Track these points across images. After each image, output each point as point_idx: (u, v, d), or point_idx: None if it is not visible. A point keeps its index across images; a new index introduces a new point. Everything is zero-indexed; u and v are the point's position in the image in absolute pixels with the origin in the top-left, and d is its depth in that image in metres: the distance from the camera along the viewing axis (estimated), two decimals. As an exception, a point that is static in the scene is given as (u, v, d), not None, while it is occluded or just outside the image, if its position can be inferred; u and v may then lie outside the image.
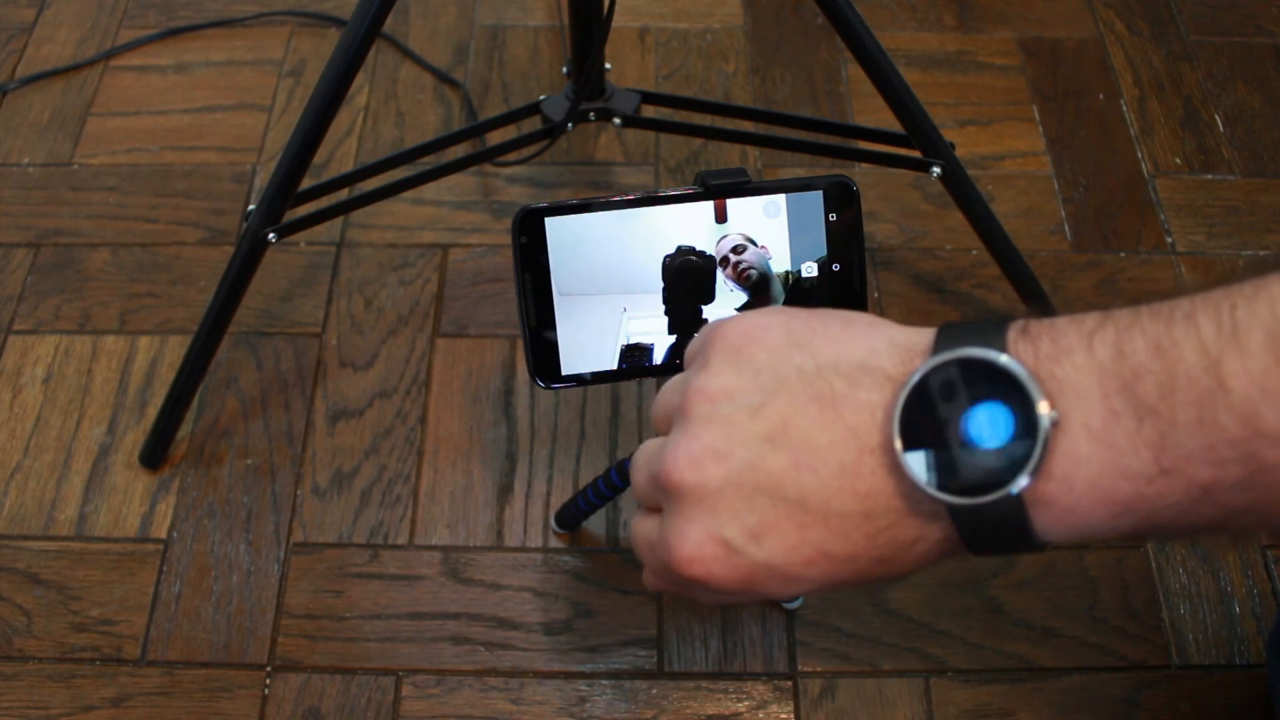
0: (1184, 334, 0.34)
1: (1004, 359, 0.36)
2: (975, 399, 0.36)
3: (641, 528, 0.45)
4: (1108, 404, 0.35)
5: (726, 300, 0.59)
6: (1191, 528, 0.35)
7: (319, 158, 0.99)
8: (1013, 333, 0.37)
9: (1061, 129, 1.03)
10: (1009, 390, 0.36)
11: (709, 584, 0.41)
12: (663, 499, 0.42)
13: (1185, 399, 0.33)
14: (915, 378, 0.37)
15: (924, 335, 0.39)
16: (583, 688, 0.74)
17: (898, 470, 0.37)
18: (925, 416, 0.37)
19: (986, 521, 0.37)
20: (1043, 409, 0.35)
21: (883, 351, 0.39)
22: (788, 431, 0.39)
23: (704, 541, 0.40)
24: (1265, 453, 0.33)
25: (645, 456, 0.44)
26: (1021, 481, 0.35)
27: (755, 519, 0.39)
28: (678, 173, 1.00)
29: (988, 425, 0.36)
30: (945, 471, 0.36)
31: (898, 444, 0.37)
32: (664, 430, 0.44)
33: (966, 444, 0.36)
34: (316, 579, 0.78)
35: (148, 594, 0.77)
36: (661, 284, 0.58)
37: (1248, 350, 0.33)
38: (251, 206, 0.74)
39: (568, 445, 0.84)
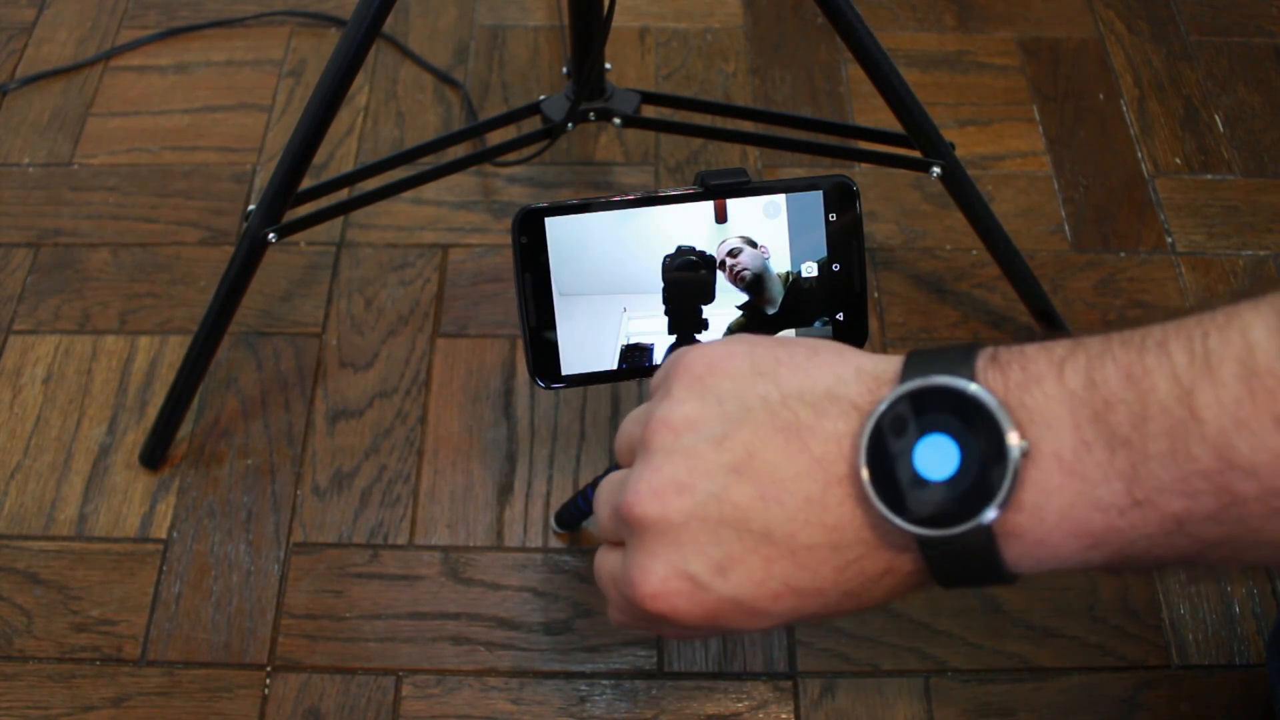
0: (1156, 363, 0.33)
1: (973, 387, 0.35)
2: (941, 428, 0.36)
3: (605, 562, 0.44)
4: (1079, 433, 0.34)
5: (726, 300, 0.59)
6: (1164, 560, 0.35)
7: (319, 158, 0.99)
8: (981, 360, 0.36)
9: (1061, 129, 1.03)
10: (977, 419, 0.35)
11: (674, 619, 0.40)
12: (626, 533, 0.41)
13: (1158, 429, 0.33)
14: (882, 407, 0.36)
15: (891, 363, 0.39)
16: (583, 688, 0.74)
17: (865, 501, 0.36)
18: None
19: (956, 553, 0.36)
20: (1012, 439, 0.34)
21: (849, 380, 0.38)
22: (753, 462, 0.38)
23: (668, 576, 0.39)
24: (1238, 485, 0.32)
25: (608, 490, 0.43)
26: (991, 513, 0.35)
27: (720, 552, 0.38)
28: (678, 173, 1.00)
29: (954, 455, 0.35)
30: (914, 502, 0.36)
31: (865, 474, 0.36)
32: (627, 462, 0.43)
33: (934, 474, 0.36)
34: (316, 579, 0.78)
35: (148, 594, 0.77)
36: (661, 284, 0.58)
37: (1220, 380, 0.32)
38: (251, 206, 0.74)
39: (568, 445, 0.84)
